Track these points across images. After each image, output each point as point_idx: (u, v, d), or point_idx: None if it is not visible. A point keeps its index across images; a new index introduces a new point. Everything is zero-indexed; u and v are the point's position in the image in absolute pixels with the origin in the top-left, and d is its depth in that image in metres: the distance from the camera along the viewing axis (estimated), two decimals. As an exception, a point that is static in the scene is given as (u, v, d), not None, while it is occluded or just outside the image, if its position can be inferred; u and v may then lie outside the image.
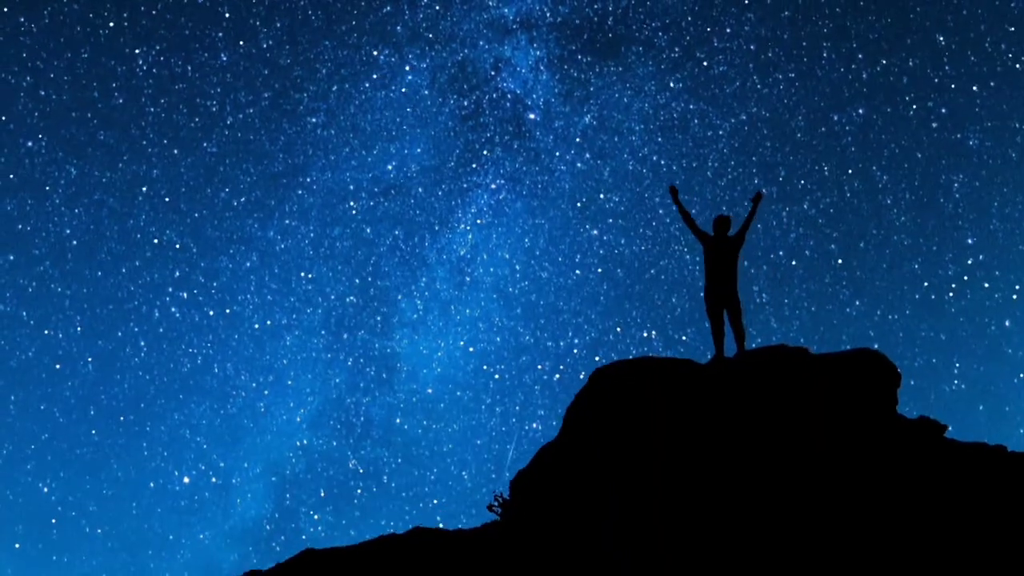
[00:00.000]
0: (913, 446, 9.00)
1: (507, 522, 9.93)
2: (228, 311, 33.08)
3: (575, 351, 32.77)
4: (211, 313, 33.05)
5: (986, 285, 31.52)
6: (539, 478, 9.75)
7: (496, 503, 10.42)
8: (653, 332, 32.39)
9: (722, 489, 8.57)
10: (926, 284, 32.12)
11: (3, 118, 32.39)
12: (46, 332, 32.64)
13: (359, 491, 32.65)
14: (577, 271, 33.19)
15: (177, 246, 32.72)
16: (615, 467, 8.95)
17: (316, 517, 32.49)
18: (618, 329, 32.48)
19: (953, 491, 8.57)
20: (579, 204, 33.04)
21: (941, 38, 31.64)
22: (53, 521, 32.33)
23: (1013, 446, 9.38)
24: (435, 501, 32.50)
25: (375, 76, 32.78)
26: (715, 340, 10.38)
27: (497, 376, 32.87)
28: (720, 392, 9.26)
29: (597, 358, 32.27)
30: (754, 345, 10.40)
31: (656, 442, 8.96)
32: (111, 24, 32.37)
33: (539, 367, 32.76)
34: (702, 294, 10.51)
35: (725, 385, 9.34)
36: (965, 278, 31.77)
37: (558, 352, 32.97)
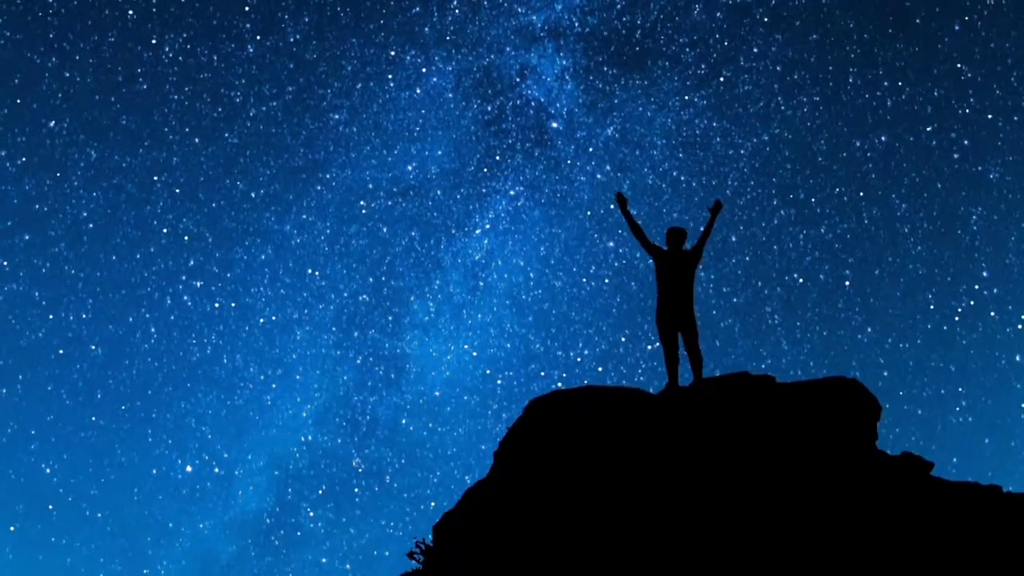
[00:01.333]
0: (892, 485, 8.21)
1: (428, 572, 8.90)
2: (240, 303, 33.19)
3: (579, 359, 32.57)
4: (222, 304, 33.15)
5: (998, 318, 31.08)
6: (470, 518, 8.82)
7: (417, 551, 9.24)
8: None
9: (686, 515, 8.02)
10: (938, 314, 31.71)
11: (21, 100, 32.62)
12: (51, 317, 32.73)
13: (357, 490, 32.57)
14: (592, 282, 32.99)
15: (186, 237, 32.80)
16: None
17: (312, 514, 32.40)
18: (622, 339, 32.22)
19: (932, 539, 7.75)
20: (595, 215, 32.84)
21: (967, 70, 31.23)
22: (50, 508, 32.40)
23: (1016, 481, 8.78)
24: (435, 504, 32.41)
25: (400, 76, 32.84)
26: (668, 366, 9.44)
27: (501, 382, 32.70)
28: (675, 422, 8.50)
29: (600, 369, 32.11)
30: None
31: (630, 456, 8.49)
32: (139, 9, 32.65)
33: (542, 374, 32.60)
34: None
35: (680, 415, 8.58)
36: (973, 303, 31.36)
37: (567, 362, 32.81)
